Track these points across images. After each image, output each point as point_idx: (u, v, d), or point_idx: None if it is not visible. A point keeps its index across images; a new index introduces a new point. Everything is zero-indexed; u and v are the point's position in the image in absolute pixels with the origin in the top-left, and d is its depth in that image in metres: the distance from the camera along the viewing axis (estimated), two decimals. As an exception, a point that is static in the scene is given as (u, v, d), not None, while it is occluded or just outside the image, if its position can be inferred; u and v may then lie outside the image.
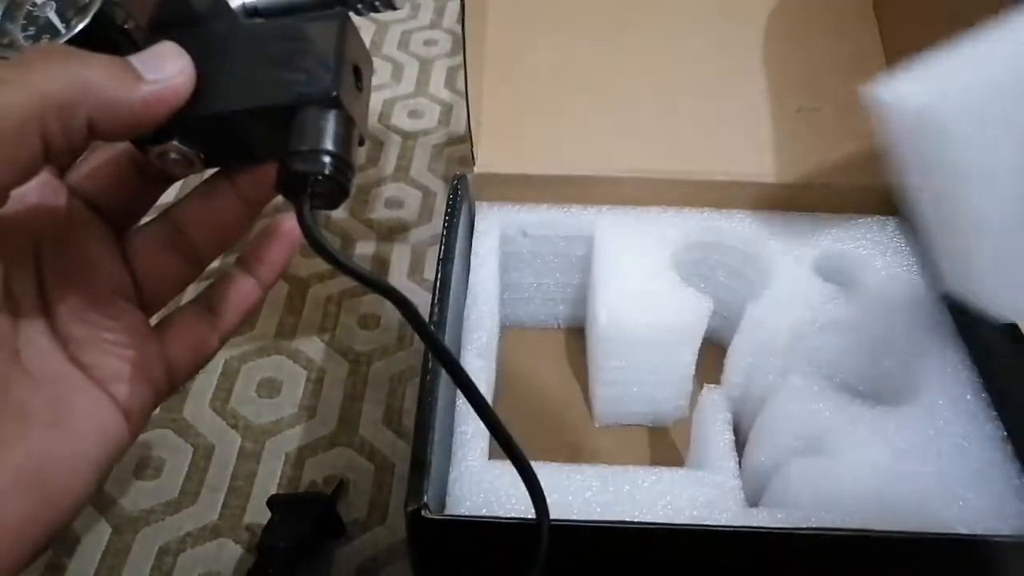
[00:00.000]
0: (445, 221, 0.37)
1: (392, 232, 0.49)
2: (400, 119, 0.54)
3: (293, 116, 0.22)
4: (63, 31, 0.23)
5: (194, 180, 0.26)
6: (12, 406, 0.22)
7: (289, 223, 0.27)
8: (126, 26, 0.23)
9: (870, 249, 0.38)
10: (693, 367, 0.38)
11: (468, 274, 0.38)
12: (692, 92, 0.41)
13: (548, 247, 0.41)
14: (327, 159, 0.22)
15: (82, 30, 0.23)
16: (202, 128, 0.23)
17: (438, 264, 0.34)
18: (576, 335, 0.44)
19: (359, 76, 0.24)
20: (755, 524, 0.28)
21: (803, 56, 0.41)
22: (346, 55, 0.23)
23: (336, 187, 0.22)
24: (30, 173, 0.20)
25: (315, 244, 0.21)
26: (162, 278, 0.27)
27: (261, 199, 0.26)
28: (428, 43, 0.60)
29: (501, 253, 0.40)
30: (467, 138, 0.39)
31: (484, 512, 0.29)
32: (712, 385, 0.35)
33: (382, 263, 0.49)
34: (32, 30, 0.23)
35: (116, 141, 0.25)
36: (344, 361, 0.43)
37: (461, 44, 0.35)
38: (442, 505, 0.29)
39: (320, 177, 0.22)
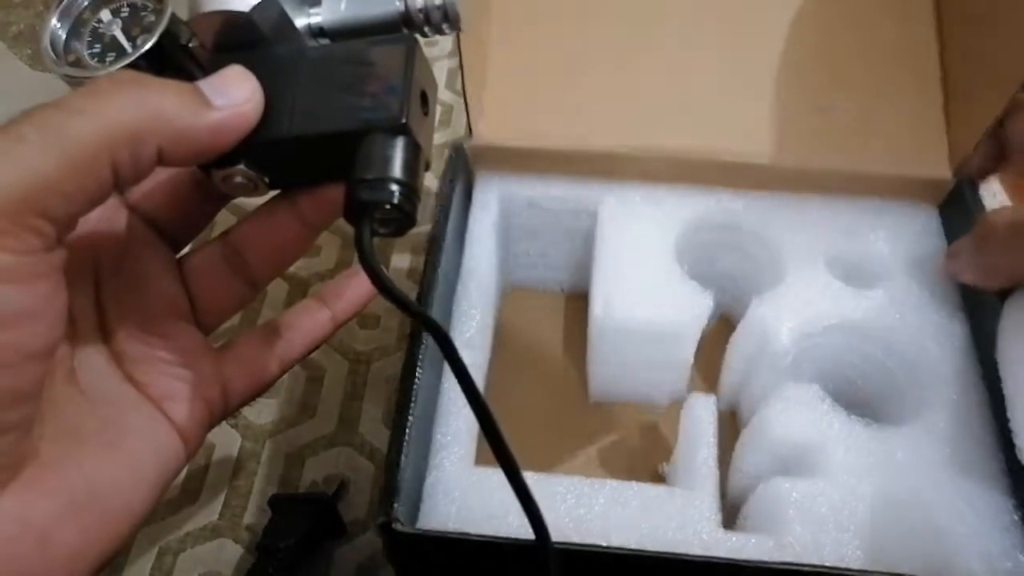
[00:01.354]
0: (440, 194, 0.35)
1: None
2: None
3: (360, 142, 0.22)
4: (129, 50, 0.23)
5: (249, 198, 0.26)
6: (66, 428, 0.22)
7: None
8: (191, 45, 0.23)
9: (891, 243, 0.36)
10: (691, 358, 0.37)
11: (463, 251, 0.36)
12: (708, 66, 0.38)
13: (551, 219, 0.39)
14: (395, 187, 0.22)
15: (148, 49, 0.22)
16: (268, 153, 0.23)
17: (430, 242, 0.33)
18: (579, 300, 0.42)
19: (425, 101, 0.24)
20: (724, 552, 0.27)
21: (834, 33, 0.38)
22: (414, 81, 0.23)
23: (403, 216, 0.22)
24: (99, 201, 0.20)
25: (371, 272, 0.21)
26: (218, 298, 0.27)
27: (321, 222, 0.26)
28: (428, 43, 0.60)
29: (501, 225, 0.39)
30: (464, 112, 0.36)
31: (455, 520, 0.28)
32: (700, 394, 0.33)
33: (382, 263, 0.49)
34: (98, 47, 0.23)
35: (184, 166, 0.25)
36: (344, 361, 0.43)
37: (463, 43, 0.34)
38: (416, 511, 0.29)
39: (388, 206, 0.22)
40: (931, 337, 0.33)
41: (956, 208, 0.36)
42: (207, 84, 0.21)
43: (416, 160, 0.23)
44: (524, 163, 0.38)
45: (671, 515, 0.29)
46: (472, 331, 0.34)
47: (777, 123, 0.37)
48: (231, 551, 0.37)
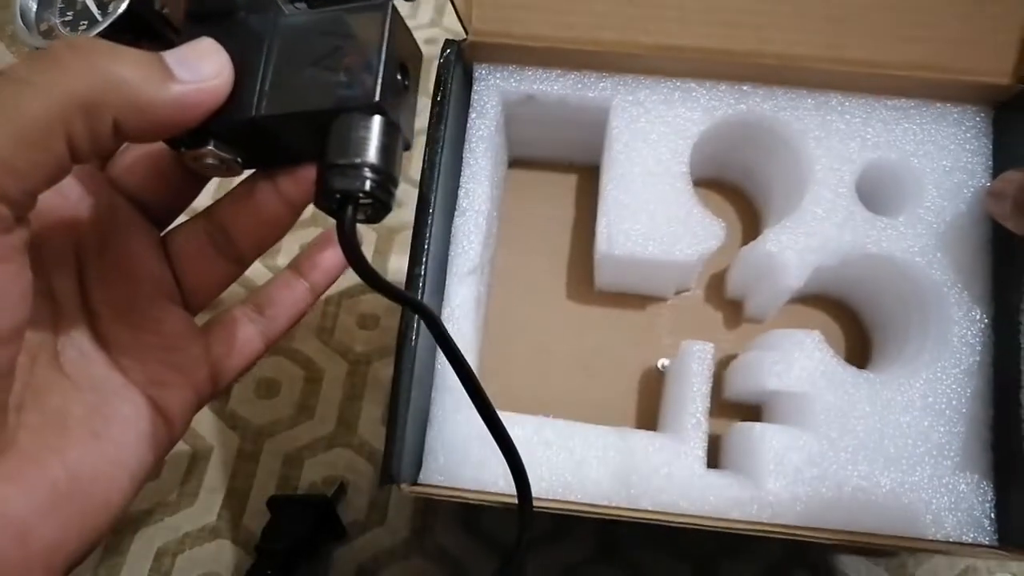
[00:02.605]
0: (435, 97, 0.31)
1: (392, 232, 0.49)
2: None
3: (333, 123, 0.21)
4: (100, 17, 0.22)
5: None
6: (51, 415, 0.21)
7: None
8: (164, 11, 0.22)
9: (928, 158, 0.32)
10: (700, 268, 0.36)
11: (460, 167, 0.34)
12: None
13: (558, 112, 0.35)
14: (368, 174, 0.20)
15: (120, 15, 0.21)
16: (239, 132, 0.22)
17: (426, 150, 0.30)
18: (589, 174, 0.39)
19: (406, 73, 0.22)
20: (708, 494, 0.28)
21: None
22: (391, 52, 0.21)
23: (377, 204, 0.21)
24: (56, 177, 0.19)
25: (355, 262, 0.20)
26: (205, 277, 0.26)
27: (303, 200, 0.25)
28: (428, 42, 0.60)
29: (503, 120, 0.36)
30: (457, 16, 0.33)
31: (455, 476, 0.29)
32: (695, 343, 0.32)
33: (382, 263, 0.49)
34: (70, 15, 0.22)
35: (146, 143, 0.24)
36: (343, 361, 0.43)
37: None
38: (418, 468, 0.29)
39: (361, 194, 0.21)
40: (949, 280, 0.31)
41: (1014, 117, 0.32)
42: (173, 56, 0.20)
43: (393, 142, 0.21)
44: (525, 58, 0.34)
45: (660, 464, 0.29)
46: (472, 258, 0.33)
47: (813, 17, 0.32)
48: (230, 552, 0.37)
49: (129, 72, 0.19)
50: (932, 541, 0.28)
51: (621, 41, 0.33)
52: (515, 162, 0.40)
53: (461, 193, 0.33)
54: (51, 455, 0.21)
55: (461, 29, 0.33)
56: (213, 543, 0.37)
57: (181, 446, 0.40)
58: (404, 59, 0.22)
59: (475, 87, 0.35)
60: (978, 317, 0.31)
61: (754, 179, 0.38)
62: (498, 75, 0.35)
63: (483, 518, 0.38)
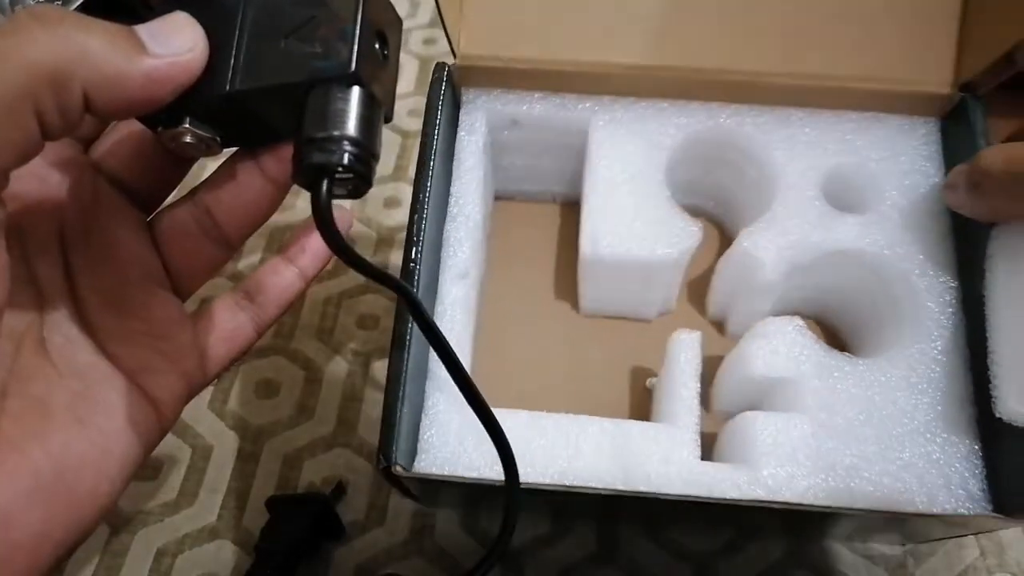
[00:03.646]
0: (426, 119, 0.33)
1: (392, 232, 0.49)
2: (400, 118, 0.54)
3: (309, 95, 0.20)
4: None
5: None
6: (33, 401, 0.21)
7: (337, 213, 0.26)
8: None
9: (887, 163, 0.35)
10: (680, 279, 0.38)
11: (452, 174, 0.35)
12: None
13: (541, 136, 0.38)
14: (347, 147, 0.20)
15: None
16: (215, 109, 0.21)
17: (417, 172, 0.31)
18: (572, 209, 0.41)
19: (384, 43, 0.21)
20: (703, 483, 0.29)
21: None
22: (368, 20, 0.20)
23: (357, 178, 0.20)
24: (28, 153, 0.18)
25: (330, 240, 0.20)
26: (192, 261, 0.25)
27: (288, 179, 0.24)
28: (428, 42, 0.60)
29: (489, 144, 0.38)
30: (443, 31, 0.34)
31: (450, 462, 0.30)
32: (685, 331, 0.34)
33: (381, 263, 0.49)
34: None
35: (117, 119, 0.23)
36: (343, 362, 0.43)
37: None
38: (413, 454, 0.30)
39: (340, 168, 0.20)
40: (917, 269, 0.33)
41: (959, 124, 0.35)
42: (146, 29, 0.20)
43: (371, 113, 0.21)
44: (511, 81, 0.37)
45: (652, 450, 0.30)
46: (463, 261, 0.34)
47: (771, 34, 0.35)
48: (229, 552, 0.37)
49: (98, 42, 0.18)
50: (931, 515, 0.29)
51: (598, 62, 0.35)
52: (501, 196, 0.43)
53: (451, 200, 0.35)
54: (33, 441, 0.20)
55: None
56: (213, 543, 0.37)
57: (181, 446, 0.40)
58: (382, 27, 0.21)
59: (463, 109, 0.37)
60: (948, 300, 0.33)
61: (728, 205, 0.40)
62: (485, 98, 0.37)
63: (483, 519, 0.38)
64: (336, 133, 0.20)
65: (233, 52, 0.21)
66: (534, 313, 0.40)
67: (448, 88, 0.35)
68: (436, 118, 0.33)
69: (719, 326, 0.39)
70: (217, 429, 0.41)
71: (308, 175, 0.20)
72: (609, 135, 0.36)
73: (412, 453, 0.30)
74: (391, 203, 0.51)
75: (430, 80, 0.34)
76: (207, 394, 0.42)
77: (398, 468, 0.27)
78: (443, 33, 0.34)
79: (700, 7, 0.35)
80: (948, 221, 0.34)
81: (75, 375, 0.22)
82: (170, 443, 0.40)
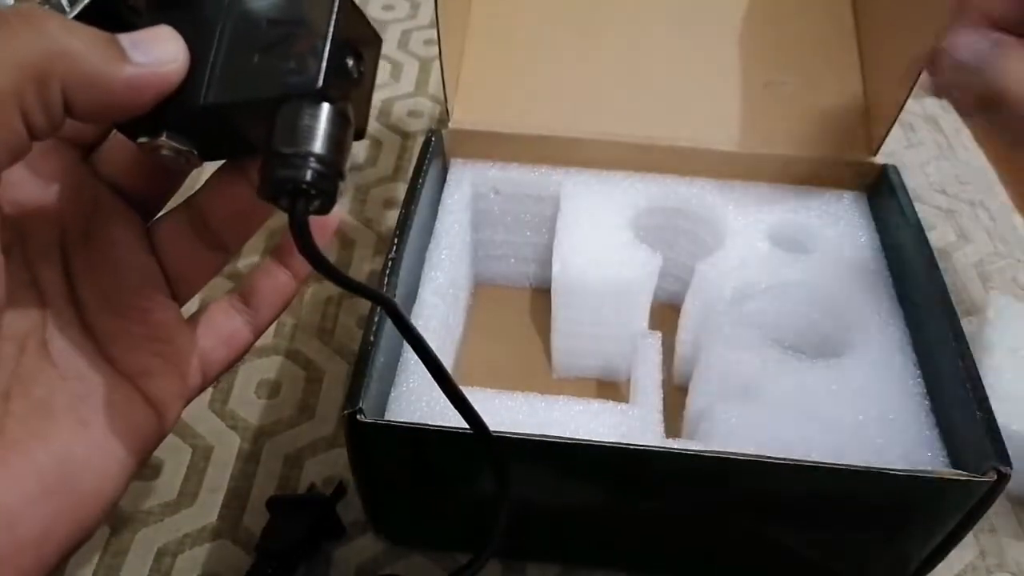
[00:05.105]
0: (415, 172, 0.37)
1: (392, 232, 0.49)
2: (399, 119, 0.54)
3: (278, 111, 0.20)
4: (68, 8, 0.21)
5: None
6: (36, 403, 0.21)
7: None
8: (130, 2, 0.22)
9: (824, 220, 0.40)
10: (645, 321, 0.40)
11: (435, 223, 0.39)
12: (663, 61, 0.43)
13: (518, 206, 0.43)
14: (312, 163, 0.20)
15: (88, 4, 0.21)
16: (191, 121, 0.21)
17: (402, 208, 0.35)
18: (545, 294, 0.43)
19: (360, 59, 0.22)
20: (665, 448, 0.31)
21: (773, 30, 0.43)
22: (339, 37, 0.21)
23: (321, 195, 0.20)
24: (16, 154, 0.18)
25: (308, 253, 0.20)
26: (190, 266, 0.26)
27: None
28: (428, 42, 0.60)
29: (473, 210, 0.42)
30: (443, 100, 0.39)
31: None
32: (647, 331, 0.38)
33: (381, 263, 0.49)
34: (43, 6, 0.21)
35: (96, 123, 0.24)
36: (343, 362, 0.43)
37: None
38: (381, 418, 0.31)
39: (303, 185, 0.20)
40: (859, 296, 0.37)
41: (880, 202, 0.40)
42: (128, 38, 0.20)
43: (340, 131, 0.21)
44: (493, 149, 0.41)
45: (616, 424, 0.32)
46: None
47: (723, 112, 0.42)
48: (230, 553, 0.37)
49: (80, 44, 0.19)
50: (897, 473, 0.29)
51: (569, 130, 0.41)
52: (479, 280, 0.46)
53: (436, 222, 0.39)
54: (37, 443, 0.21)
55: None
56: (213, 543, 0.37)
57: (181, 446, 0.40)
58: (358, 43, 0.22)
59: (450, 171, 0.42)
60: (891, 308, 0.37)
61: (686, 266, 0.42)
62: (470, 167, 0.42)
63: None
64: (302, 149, 0.20)
65: (210, 66, 0.21)
66: (506, 380, 0.38)
67: (437, 155, 0.40)
68: (424, 179, 0.37)
69: (685, 391, 0.39)
70: (217, 429, 0.41)
71: (272, 189, 0.20)
72: (577, 194, 0.41)
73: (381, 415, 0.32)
74: (391, 203, 0.51)
75: (421, 143, 0.39)
76: (207, 394, 0.42)
77: (362, 417, 0.28)
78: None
79: (653, 86, 0.42)
80: (884, 261, 0.39)
81: (77, 378, 0.22)
82: (170, 443, 0.40)
